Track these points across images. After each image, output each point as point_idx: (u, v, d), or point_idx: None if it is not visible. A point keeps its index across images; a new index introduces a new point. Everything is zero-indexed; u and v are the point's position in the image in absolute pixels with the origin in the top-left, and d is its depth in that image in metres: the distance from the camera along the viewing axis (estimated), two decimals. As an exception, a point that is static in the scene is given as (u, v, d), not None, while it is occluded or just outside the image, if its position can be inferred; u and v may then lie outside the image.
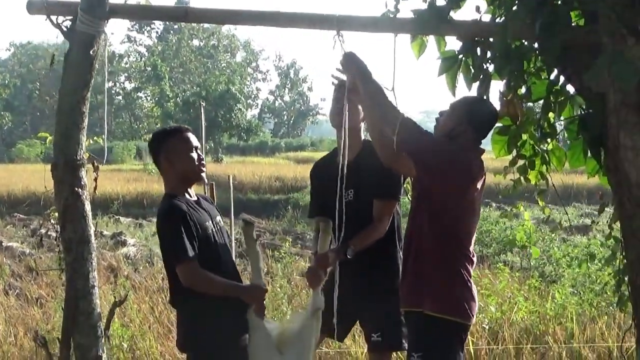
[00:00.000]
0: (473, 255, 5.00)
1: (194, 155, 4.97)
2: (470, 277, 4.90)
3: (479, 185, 4.86)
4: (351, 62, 5.03)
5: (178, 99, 65.62)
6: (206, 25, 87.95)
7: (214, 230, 5.00)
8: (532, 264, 13.36)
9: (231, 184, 13.03)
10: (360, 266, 5.40)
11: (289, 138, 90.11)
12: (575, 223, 17.42)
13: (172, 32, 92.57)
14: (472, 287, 4.92)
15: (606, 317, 9.74)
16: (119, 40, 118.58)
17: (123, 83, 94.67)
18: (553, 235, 15.98)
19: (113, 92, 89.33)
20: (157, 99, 72.76)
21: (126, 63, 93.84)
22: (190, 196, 5.01)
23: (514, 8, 4.58)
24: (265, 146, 77.71)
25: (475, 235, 5.09)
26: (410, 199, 5.39)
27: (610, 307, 10.25)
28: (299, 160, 53.26)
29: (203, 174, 5.04)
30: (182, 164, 4.94)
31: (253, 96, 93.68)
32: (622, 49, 3.71)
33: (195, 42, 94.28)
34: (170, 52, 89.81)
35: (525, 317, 9.23)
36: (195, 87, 69.36)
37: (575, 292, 10.98)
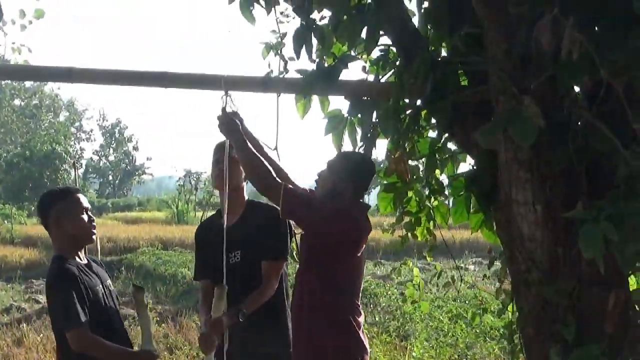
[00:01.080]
0: (359, 306, 5.07)
1: (85, 217, 4.88)
2: (360, 326, 4.95)
3: (365, 240, 4.93)
4: (224, 127, 5.02)
5: (0, 160, 63.90)
6: (28, 84, 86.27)
7: (104, 294, 4.91)
8: (376, 319, 13.62)
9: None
10: (248, 326, 5.34)
11: (115, 198, 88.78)
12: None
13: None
14: (363, 336, 5.01)
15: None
16: None
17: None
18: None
19: None
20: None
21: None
22: (81, 259, 4.90)
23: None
24: (92, 207, 75.92)
25: (362, 283, 5.19)
26: (297, 257, 5.42)
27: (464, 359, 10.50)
28: (127, 220, 52.48)
29: (94, 236, 4.94)
30: (72, 226, 4.85)
31: (78, 156, 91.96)
32: (518, 108, 3.83)
33: (17, 102, 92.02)
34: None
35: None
36: (18, 147, 67.58)
37: (432, 346, 11.20)
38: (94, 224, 4.99)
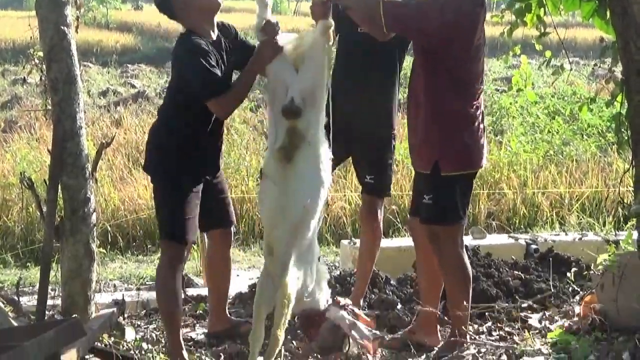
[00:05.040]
0: (482, 100, 5.01)
1: None
2: (481, 121, 4.94)
3: (480, 25, 4.81)
4: None
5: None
6: None
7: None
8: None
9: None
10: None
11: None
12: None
13: None
14: (483, 133, 4.98)
15: (554, 165, 9.94)
16: None
17: None
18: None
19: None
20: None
21: None
22: (211, 35, 4.86)
23: None
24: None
25: (483, 85, 5.09)
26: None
27: (560, 156, 10.46)
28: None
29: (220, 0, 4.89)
30: None
31: None
32: None
33: None
34: None
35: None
36: None
37: (528, 141, 11.14)
38: None
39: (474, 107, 4.86)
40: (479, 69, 4.92)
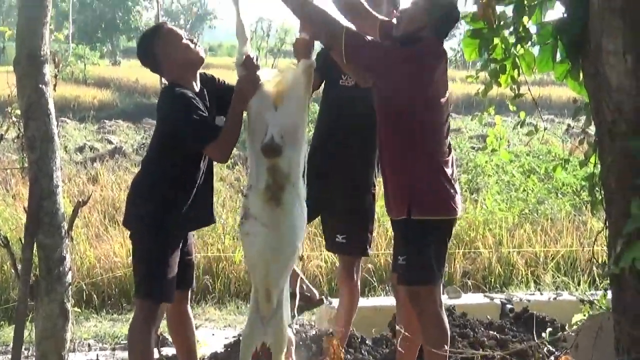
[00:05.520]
0: (450, 147, 5.03)
1: (186, 41, 4.86)
2: (451, 168, 4.94)
3: (440, 74, 4.90)
4: None
5: (74, -1, 64.01)
6: None
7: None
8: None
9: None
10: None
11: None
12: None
13: None
14: (454, 180, 4.97)
15: (529, 224, 10.00)
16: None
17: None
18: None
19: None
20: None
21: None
22: (194, 87, 4.89)
23: None
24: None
25: (449, 123, 5.12)
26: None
27: (535, 214, 10.52)
28: (199, 65, 52.56)
29: (203, 54, 4.92)
30: (180, 51, 4.81)
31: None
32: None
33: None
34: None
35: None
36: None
37: (503, 199, 11.22)
38: (199, 44, 4.94)
39: (441, 154, 4.90)
40: (443, 118, 4.97)
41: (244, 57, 4.78)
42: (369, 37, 4.88)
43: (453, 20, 5.02)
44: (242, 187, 11.78)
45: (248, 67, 4.74)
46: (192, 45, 4.86)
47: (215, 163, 5.12)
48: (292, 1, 4.81)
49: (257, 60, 4.83)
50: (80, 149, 18.50)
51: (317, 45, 5.11)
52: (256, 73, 4.74)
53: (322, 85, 5.74)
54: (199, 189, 4.92)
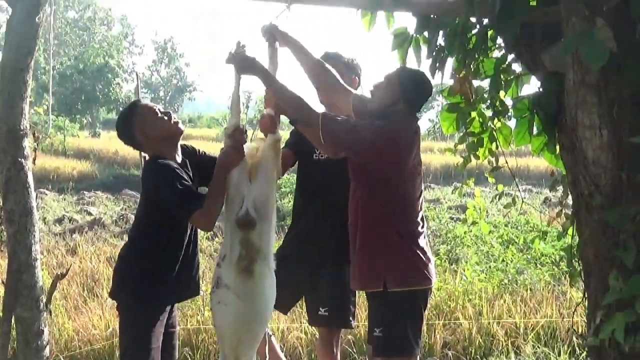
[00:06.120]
0: (423, 219, 5.04)
1: (163, 117, 4.90)
2: (425, 239, 4.97)
3: (415, 150, 4.91)
4: (237, 66, 4.94)
5: (54, 71, 64.05)
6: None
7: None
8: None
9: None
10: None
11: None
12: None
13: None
14: (427, 250, 4.98)
15: (509, 294, 9.99)
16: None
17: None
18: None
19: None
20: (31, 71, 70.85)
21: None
22: (176, 159, 4.92)
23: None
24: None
25: (423, 196, 5.13)
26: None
27: (514, 284, 10.53)
28: (178, 135, 52.74)
29: (181, 126, 4.96)
30: (159, 130, 4.86)
31: (130, 70, 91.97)
32: (589, 30, 3.77)
33: (71, 14, 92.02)
34: (44, 23, 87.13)
35: (435, 293, 9.37)
36: (71, 60, 67.61)
37: (482, 270, 11.23)
38: (175, 117, 4.99)
39: (415, 224, 4.93)
40: (416, 188, 4.99)
41: (234, 128, 4.85)
42: (343, 118, 4.92)
43: (426, 94, 5.04)
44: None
45: (236, 138, 4.81)
46: (166, 119, 4.91)
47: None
48: (262, 78, 4.87)
49: (246, 133, 4.89)
50: (59, 221, 18.41)
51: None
52: (242, 144, 4.81)
53: (297, 161, 5.80)
54: (185, 261, 4.94)
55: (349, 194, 5.13)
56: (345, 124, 4.85)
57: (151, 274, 4.82)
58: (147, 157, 5.00)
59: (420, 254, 4.88)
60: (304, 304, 6.07)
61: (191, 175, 4.92)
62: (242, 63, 4.89)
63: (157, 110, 4.93)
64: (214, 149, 4.96)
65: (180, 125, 4.98)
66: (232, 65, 4.93)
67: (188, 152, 5.14)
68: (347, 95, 5.24)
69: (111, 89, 59.93)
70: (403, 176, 4.88)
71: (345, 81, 5.41)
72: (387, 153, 4.79)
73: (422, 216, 5.06)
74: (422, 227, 5.00)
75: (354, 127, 4.85)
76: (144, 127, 4.86)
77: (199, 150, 5.25)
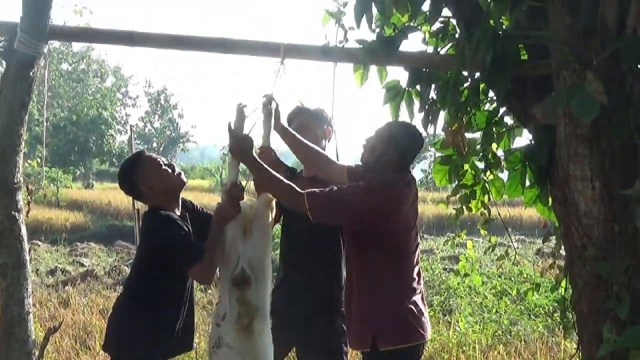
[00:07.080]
0: (419, 274, 5.01)
1: (167, 169, 4.92)
2: (419, 294, 4.93)
3: (408, 205, 4.89)
4: (234, 150, 4.86)
5: (48, 123, 64.18)
6: (75, 49, 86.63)
7: None
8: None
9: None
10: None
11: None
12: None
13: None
14: (422, 305, 4.93)
15: (503, 345, 9.96)
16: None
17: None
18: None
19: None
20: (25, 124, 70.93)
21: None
22: (176, 212, 4.94)
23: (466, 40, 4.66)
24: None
25: (419, 250, 5.10)
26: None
27: (508, 335, 10.49)
28: (172, 187, 52.73)
29: (184, 178, 4.98)
30: (162, 182, 4.88)
31: (123, 122, 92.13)
32: (580, 83, 3.80)
33: (65, 66, 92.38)
34: (38, 76, 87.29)
35: (429, 345, 9.34)
36: (65, 112, 67.80)
37: (476, 321, 11.21)
38: (177, 169, 5.00)
39: (409, 279, 4.89)
40: (411, 241, 4.95)
41: (231, 184, 4.85)
42: (326, 190, 4.82)
43: (417, 145, 5.03)
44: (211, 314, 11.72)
45: (234, 194, 4.81)
46: (170, 171, 4.94)
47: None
48: (250, 166, 4.84)
49: (243, 190, 4.90)
50: (52, 272, 18.32)
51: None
52: (239, 200, 4.82)
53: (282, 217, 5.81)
54: (181, 315, 4.93)
55: (338, 245, 5.13)
56: (330, 194, 4.76)
57: (147, 329, 4.79)
58: (147, 208, 5.01)
59: (414, 309, 4.83)
60: (296, 356, 6.04)
61: (190, 229, 4.92)
62: (236, 146, 4.81)
63: (161, 162, 4.95)
64: (207, 200, 4.98)
65: (183, 177, 5.01)
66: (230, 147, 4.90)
67: (187, 207, 5.16)
68: (340, 168, 5.30)
69: (104, 140, 60.08)
70: (395, 229, 4.86)
71: (319, 134, 5.46)
72: (376, 204, 4.75)
73: (419, 271, 5.02)
74: (418, 282, 4.96)
75: (340, 194, 4.78)
76: (148, 179, 4.89)
77: (197, 206, 5.28)
